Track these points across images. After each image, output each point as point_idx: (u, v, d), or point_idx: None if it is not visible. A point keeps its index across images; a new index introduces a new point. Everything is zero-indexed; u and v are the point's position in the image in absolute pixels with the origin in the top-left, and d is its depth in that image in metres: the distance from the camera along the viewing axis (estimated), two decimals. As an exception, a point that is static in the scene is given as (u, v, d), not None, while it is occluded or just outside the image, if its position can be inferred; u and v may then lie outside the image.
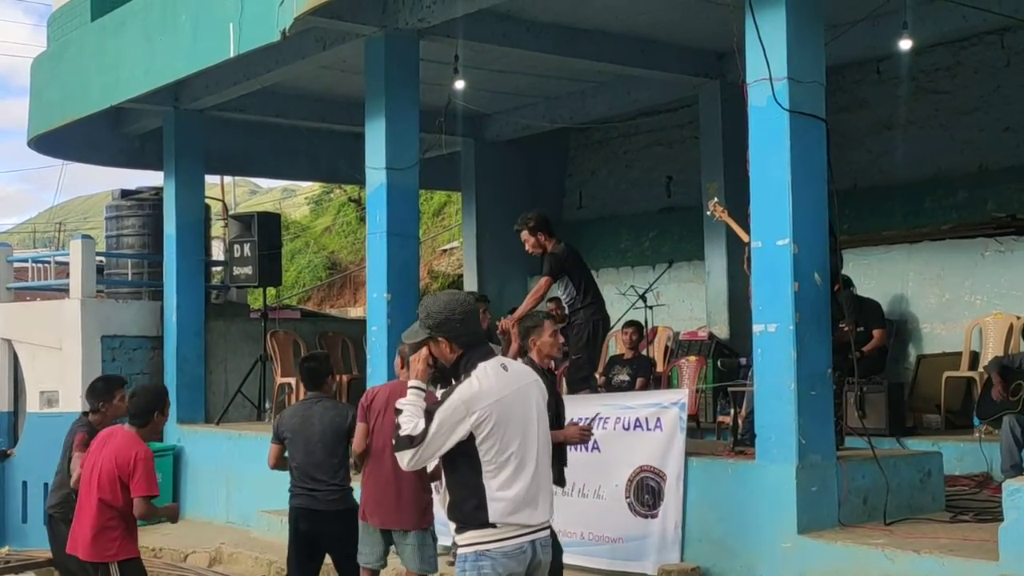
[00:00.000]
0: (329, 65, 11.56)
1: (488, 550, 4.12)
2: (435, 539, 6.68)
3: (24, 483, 12.58)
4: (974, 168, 11.70)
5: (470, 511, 4.14)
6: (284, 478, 10.94)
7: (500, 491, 4.12)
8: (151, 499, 6.30)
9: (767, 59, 7.23)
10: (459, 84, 10.78)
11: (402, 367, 6.62)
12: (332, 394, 7.21)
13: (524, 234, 8.94)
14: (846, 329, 8.48)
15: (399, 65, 10.06)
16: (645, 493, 7.81)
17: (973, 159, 11.70)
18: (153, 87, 11.60)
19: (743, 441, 8.25)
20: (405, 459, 4.15)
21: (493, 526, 4.12)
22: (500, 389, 4.18)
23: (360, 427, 6.70)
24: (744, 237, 8.35)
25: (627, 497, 7.87)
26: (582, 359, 8.89)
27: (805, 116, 7.29)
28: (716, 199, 8.72)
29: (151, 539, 11.54)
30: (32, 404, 13.26)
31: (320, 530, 6.87)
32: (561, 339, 7.06)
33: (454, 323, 4.25)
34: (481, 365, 4.22)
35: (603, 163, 15.63)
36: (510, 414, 4.16)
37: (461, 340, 4.26)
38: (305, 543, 6.93)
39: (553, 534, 4.56)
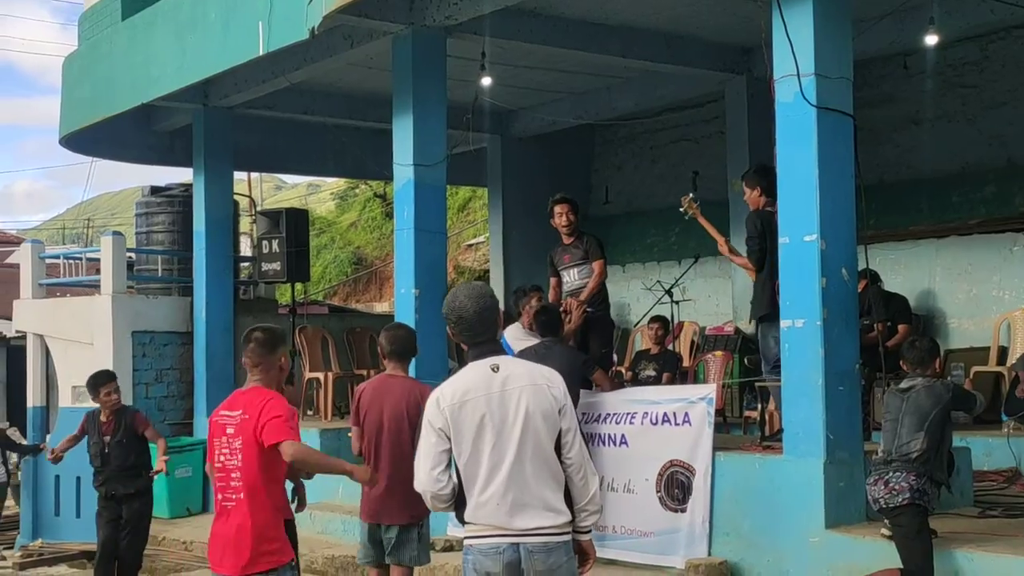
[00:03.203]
0: (357, 62, 11.63)
1: (472, 545, 4.22)
2: (421, 536, 6.58)
3: (57, 477, 12.70)
4: (1002, 163, 11.66)
5: (459, 506, 4.26)
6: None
7: (472, 490, 4.19)
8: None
9: (794, 55, 7.25)
10: (486, 81, 10.82)
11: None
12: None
13: (565, 208, 9.09)
14: (879, 329, 8.52)
15: (426, 62, 10.12)
16: (675, 487, 7.86)
17: (1001, 153, 11.66)
18: (183, 85, 11.71)
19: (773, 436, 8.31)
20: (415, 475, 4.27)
21: (470, 523, 4.21)
22: (471, 391, 4.21)
23: (354, 431, 6.67)
24: (717, 237, 8.54)
25: (658, 491, 7.92)
26: (609, 353, 9.06)
27: (832, 112, 7.31)
28: (691, 195, 8.68)
29: (182, 532, 11.68)
30: (64, 399, 13.40)
31: None
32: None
33: (449, 321, 4.37)
34: (469, 364, 4.31)
35: (629, 158, 15.65)
36: (477, 415, 4.18)
37: (458, 338, 4.38)
38: None
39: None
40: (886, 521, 6.67)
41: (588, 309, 8.91)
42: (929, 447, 6.48)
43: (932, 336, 7.84)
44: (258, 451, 5.09)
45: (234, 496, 5.13)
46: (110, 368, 12.61)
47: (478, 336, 4.33)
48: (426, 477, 4.21)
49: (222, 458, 5.18)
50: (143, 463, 8.91)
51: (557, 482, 4.23)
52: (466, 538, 4.24)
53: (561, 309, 8.86)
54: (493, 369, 4.25)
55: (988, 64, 11.85)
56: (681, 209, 8.72)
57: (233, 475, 5.14)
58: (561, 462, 4.24)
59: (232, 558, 5.11)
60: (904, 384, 6.81)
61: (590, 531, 4.36)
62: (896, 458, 6.54)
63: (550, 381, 4.31)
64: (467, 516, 4.21)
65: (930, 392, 6.62)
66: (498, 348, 4.39)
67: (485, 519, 4.17)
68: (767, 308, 8.23)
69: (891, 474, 6.48)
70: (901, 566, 6.36)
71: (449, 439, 4.19)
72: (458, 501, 4.25)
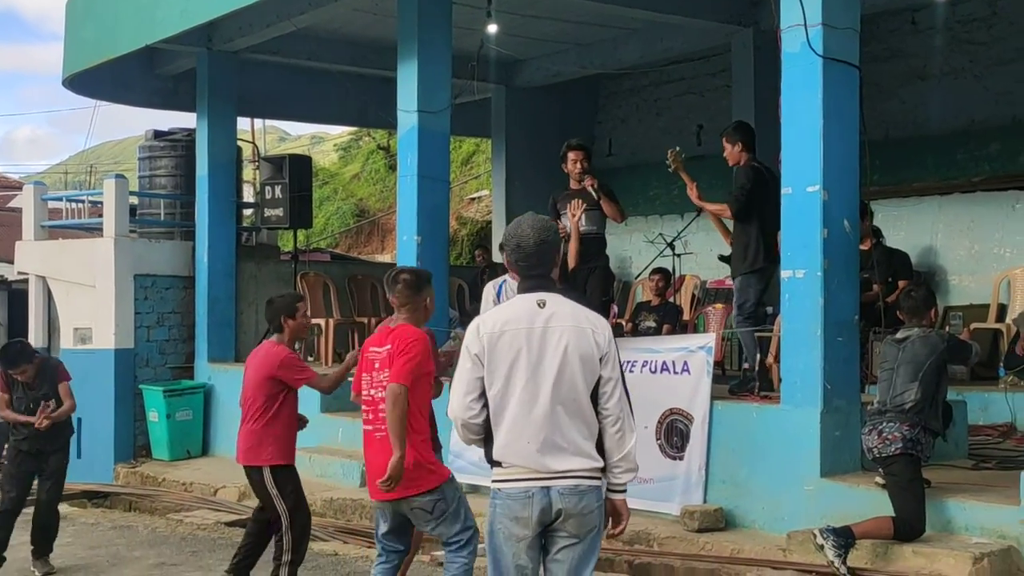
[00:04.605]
0: (362, 8, 11.57)
1: (500, 489, 4.08)
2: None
3: (79, 420, 12.72)
4: (1007, 120, 11.61)
5: (487, 447, 4.13)
6: (311, 416, 11.11)
7: (500, 425, 4.06)
8: (319, 385, 6.95)
9: (802, 5, 7.21)
10: (492, 28, 10.78)
11: None
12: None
13: (580, 155, 9.01)
14: (878, 289, 8.57)
15: (432, 8, 10.07)
16: (674, 435, 7.92)
17: (1007, 111, 11.61)
18: (187, 27, 11.65)
19: (745, 387, 8.41)
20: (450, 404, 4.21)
21: (499, 464, 4.08)
22: (511, 322, 4.08)
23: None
24: (689, 183, 8.68)
25: (658, 439, 7.99)
26: (607, 302, 9.11)
27: (839, 63, 7.29)
28: (677, 148, 8.80)
29: (181, 473, 11.78)
30: (66, 341, 13.44)
31: None
32: None
33: (507, 247, 4.25)
34: (517, 296, 4.19)
35: (633, 111, 15.60)
36: (514, 348, 4.05)
37: (512, 267, 4.26)
38: None
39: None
40: (880, 470, 6.73)
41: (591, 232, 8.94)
42: (923, 397, 6.53)
43: (931, 289, 7.82)
44: None
45: (384, 427, 5.45)
46: (112, 309, 12.78)
47: (532, 269, 4.18)
48: (458, 403, 4.09)
49: (372, 392, 5.56)
50: (66, 420, 8.37)
51: (590, 430, 4.07)
52: (494, 481, 4.10)
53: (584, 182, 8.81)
54: (539, 304, 4.10)
55: (997, 21, 11.77)
56: (667, 162, 8.79)
57: (381, 407, 5.47)
58: (598, 412, 4.09)
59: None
60: (900, 334, 6.85)
61: (624, 490, 4.17)
62: (890, 408, 6.60)
63: (595, 326, 4.13)
64: (496, 454, 4.07)
65: (925, 342, 6.66)
66: (549, 284, 4.21)
67: (514, 459, 4.03)
68: (762, 262, 8.29)
69: (885, 424, 6.55)
70: (893, 514, 6.42)
71: (484, 366, 4.07)
72: (486, 438, 4.12)
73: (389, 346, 5.52)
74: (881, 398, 6.74)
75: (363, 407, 5.62)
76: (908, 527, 6.38)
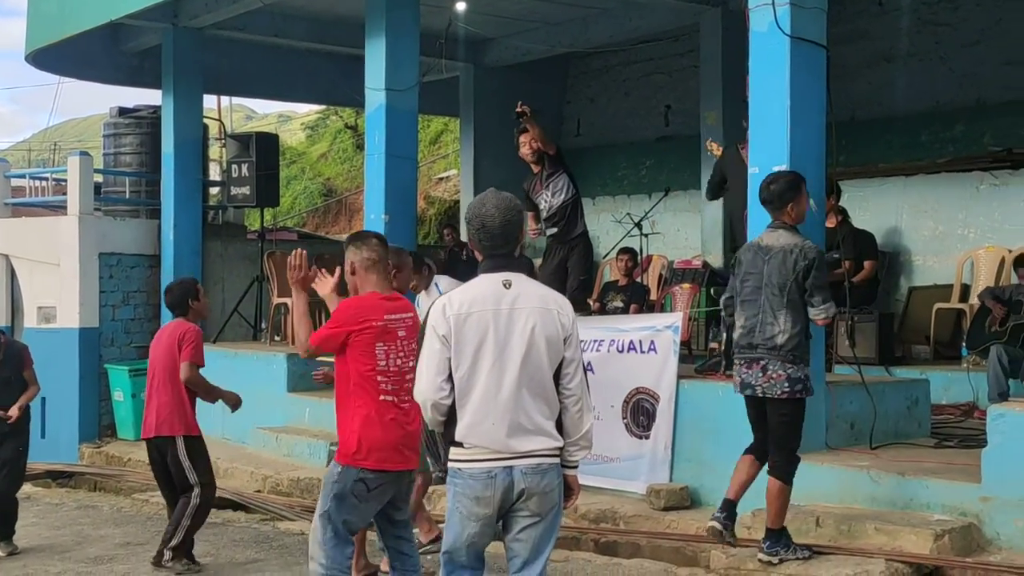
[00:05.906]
0: (329, -16, 11.48)
1: (460, 469, 4.08)
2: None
3: (43, 399, 12.60)
4: (972, 102, 11.68)
5: (450, 427, 4.11)
6: (278, 396, 11.12)
7: (465, 407, 4.05)
8: (197, 367, 7.24)
9: (771, -17, 7.22)
10: (460, 6, 10.75)
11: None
12: None
13: (528, 137, 9.04)
14: (847, 267, 8.63)
15: (400, -15, 10.02)
16: (640, 414, 7.95)
17: (971, 92, 11.68)
18: (152, 3, 11.52)
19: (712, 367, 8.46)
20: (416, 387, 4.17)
21: (460, 445, 4.07)
22: (478, 302, 4.06)
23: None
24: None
25: (624, 418, 8.02)
26: (589, 280, 9.12)
27: (806, 42, 7.29)
28: (710, 138, 9.04)
29: (147, 454, 11.68)
30: (30, 320, 13.33)
31: None
32: None
33: (471, 227, 4.18)
34: (481, 276, 4.16)
35: (602, 91, 15.59)
36: (481, 330, 4.04)
37: (476, 245, 4.20)
38: None
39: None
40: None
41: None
42: (794, 330, 6.03)
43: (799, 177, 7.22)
44: None
45: (409, 398, 5.12)
46: (76, 288, 12.67)
47: (497, 248, 4.15)
48: (428, 385, 4.06)
49: (399, 361, 5.22)
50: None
51: (551, 410, 4.10)
52: (454, 462, 4.10)
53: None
54: (505, 285, 4.10)
55: (962, 2, 11.83)
56: (709, 153, 9.07)
57: (408, 377, 5.13)
58: (560, 392, 4.11)
59: (417, 452, 5.40)
60: (765, 239, 6.23)
61: (577, 466, 4.25)
62: (760, 343, 6.09)
63: (560, 307, 4.15)
64: (458, 435, 4.06)
65: (786, 259, 6.04)
66: (512, 263, 4.19)
67: (477, 440, 4.03)
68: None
69: (767, 361, 6.06)
70: (771, 467, 6.28)
71: (452, 347, 4.05)
72: (452, 419, 4.10)
73: (412, 313, 5.35)
74: (748, 324, 6.11)
75: (380, 377, 5.18)
76: (791, 460, 6.19)
